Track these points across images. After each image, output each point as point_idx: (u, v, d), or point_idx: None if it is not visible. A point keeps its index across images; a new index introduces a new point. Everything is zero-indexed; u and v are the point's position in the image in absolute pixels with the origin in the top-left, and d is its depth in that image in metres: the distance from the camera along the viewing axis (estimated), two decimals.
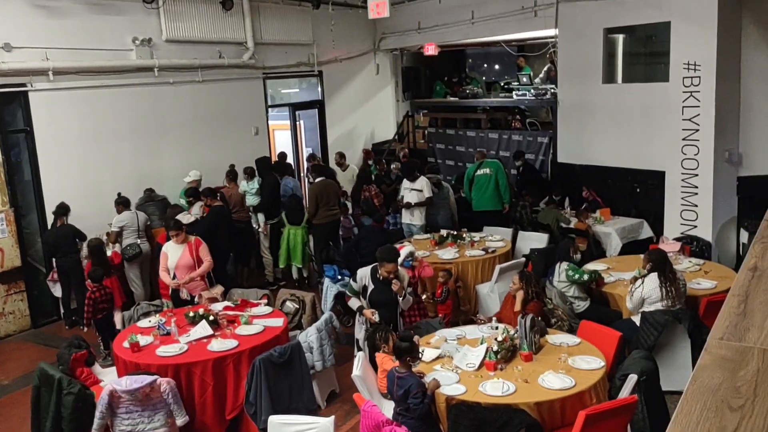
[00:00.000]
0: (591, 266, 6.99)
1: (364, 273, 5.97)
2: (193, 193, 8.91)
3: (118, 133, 9.30)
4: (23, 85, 8.25)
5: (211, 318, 5.82)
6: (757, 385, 1.26)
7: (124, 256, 8.37)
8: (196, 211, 8.63)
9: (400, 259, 6.51)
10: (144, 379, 4.85)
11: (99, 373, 5.90)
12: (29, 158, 8.48)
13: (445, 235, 8.28)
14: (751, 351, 1.39)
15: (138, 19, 9.39)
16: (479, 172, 9.73)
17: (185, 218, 8.27)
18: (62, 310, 8.60)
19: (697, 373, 1.31)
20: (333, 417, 4.18)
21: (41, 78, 8.36)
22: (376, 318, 5.73)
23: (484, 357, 4.83)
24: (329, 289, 7.42)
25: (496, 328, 5.41)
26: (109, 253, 8.21)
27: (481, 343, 5.03)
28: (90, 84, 8.89)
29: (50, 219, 8.41)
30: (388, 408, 4.69)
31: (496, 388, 4.43)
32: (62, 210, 8.21)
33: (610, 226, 9.01)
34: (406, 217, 9.19)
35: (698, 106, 8.22)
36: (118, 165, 9.30)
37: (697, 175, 8.38)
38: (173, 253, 6.74)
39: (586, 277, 6.40)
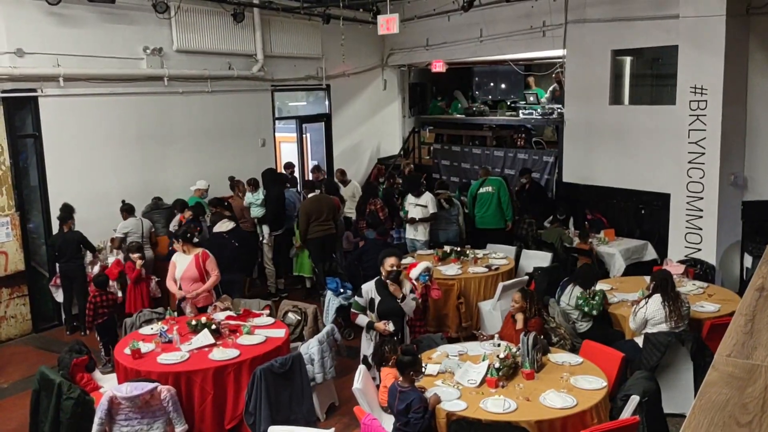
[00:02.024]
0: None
1: (368, 287, 5.96)
2: (180, 205, 9.00)
3: (126, 140, 9.36)
4: (34, 90, 8.32)
5: (213, 327, 5.82)
6: (765, 402, 1.26)
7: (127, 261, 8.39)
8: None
9: (415, 273, 6.48)
10: (144, 386, 4.84)
11: (99, 380, 5.89)
12: (37, 163, 8.53)
13: (448, 251, 8.27)
14: (758, 369, 1.40)
15: (150, 29, 9.48)
16: (482, 189, 9.77)
17: (223, 226, 8.28)
18: (63, 315, 8.60)
19: (705, 389, 1.32)
20: (333, 429, 4.17)
21: (52, 84, 8.43)
22: (390, 328, 5.72)
23: (486, 374, 4.82)
24: (331, 302, 7.40)
25: (498, 345, 5.40)
26: (111, 260, 8.23)
27: (483, 360, 5.01)
28: (100, 91, 8.96)
29: (55, 223, 8.43)
30: (387, 422, 4.67)
31: (497, 405, 4.42)
32: (67, 212, 8.23)
33: (614, 246, 8.98)
34: (410, 233, 9.20)
35: (704, 130, 8.25)
36: (125, 172, 9.34)
37: (702, 198, 8.39)
38: (180, 264, 6.76)
39: (594, 312, 6.33)
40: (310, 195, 9.25)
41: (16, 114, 8.34)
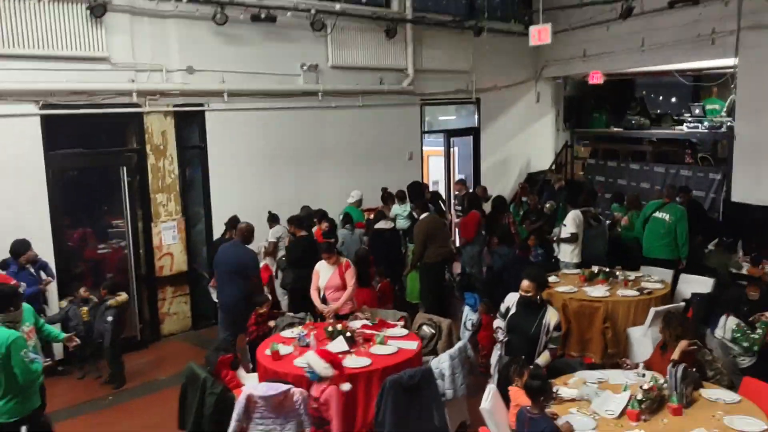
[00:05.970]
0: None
1: (513, 297, 5.73)
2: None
3: (282, 153, 9.87)
4: (201, 105, 9.00)
5: (348, 335, 5.92)
6: None
7: (279, 266, 8.79)
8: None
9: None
10: (279, 387, 5.00)
11: (243, 378, 6.17)
12: (201, 172, 9.21)
13: (595, 272, 7.82)
14: None
15: (307, 46, 9.95)
16: (658, 214, 8.58)
17: (386, 224, 9.00)
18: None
19: None
20: None
21: (217, 99, 9.07)
22: (500, 336, 5.57)
23: (627, 405, 4.48)
24: (468, 318, 7.27)
25: (643, 375, 5.00)
26: (261, 264, 8.64)
27: (624, 390, 4.67)
28: (260, 106, 9.53)
29: (216, 229, 9.03)
30: None
31: None
32: (233, 223, 8.74)
33: None
34: (559, 252, 8.83)
35: None
36: (279, 183, 9.84)
37: None
38: (324, 274, 6.99)
39: (755, 348, 5.68)
40: (423, 216, 8.67)
41: (185, 126, 9.06)
